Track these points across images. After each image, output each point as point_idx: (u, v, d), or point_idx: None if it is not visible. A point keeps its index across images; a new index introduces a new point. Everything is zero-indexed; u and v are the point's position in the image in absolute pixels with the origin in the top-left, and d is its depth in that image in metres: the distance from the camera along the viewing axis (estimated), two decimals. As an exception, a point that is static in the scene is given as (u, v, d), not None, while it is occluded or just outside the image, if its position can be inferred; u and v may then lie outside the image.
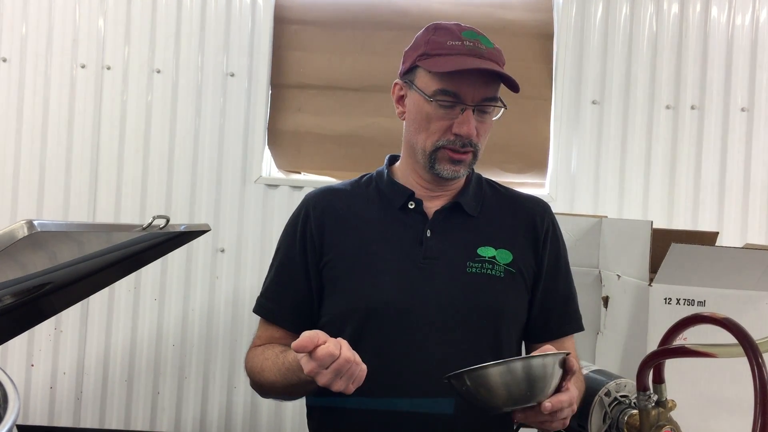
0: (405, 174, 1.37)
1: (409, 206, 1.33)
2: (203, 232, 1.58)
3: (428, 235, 1.30)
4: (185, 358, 2.55)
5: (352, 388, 1.07)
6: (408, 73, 1.32)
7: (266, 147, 2.59)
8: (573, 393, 1.11)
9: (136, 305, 2.55)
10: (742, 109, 2.62)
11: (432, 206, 1.34)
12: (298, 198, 2.53)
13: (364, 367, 1.07)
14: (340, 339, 1.07)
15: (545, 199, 1.45)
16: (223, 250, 2.55)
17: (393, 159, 1.44)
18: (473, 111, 1.25)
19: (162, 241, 1.53)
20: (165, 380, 2.55)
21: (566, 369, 1.08)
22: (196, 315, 2.55)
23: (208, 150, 2.56)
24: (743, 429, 1.50)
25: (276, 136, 2.60)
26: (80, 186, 2.55)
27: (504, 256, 1.31)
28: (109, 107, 2.56)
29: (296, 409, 2.53)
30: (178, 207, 2.55)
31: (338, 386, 1.05)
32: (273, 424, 2.55)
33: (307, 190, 2.53)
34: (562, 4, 2.61)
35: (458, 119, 1.25)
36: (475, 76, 1.23)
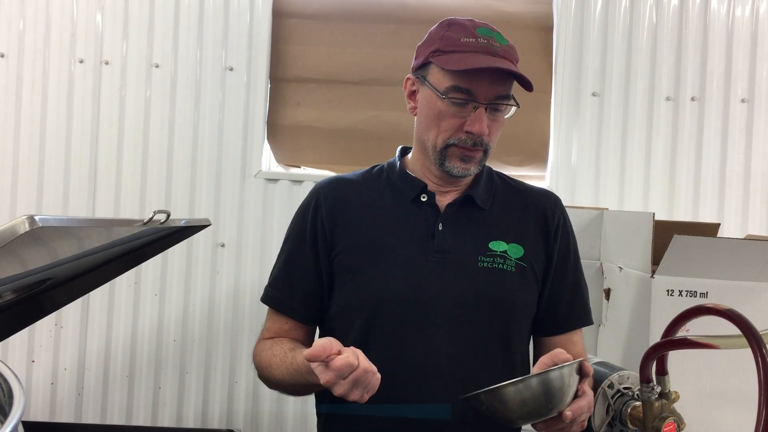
0: (416, 168, 1.36)
1: (422, 199, 1.33)
2: (204, 226, 1.58)
3: (440, 228, 1.30)
4: (186, 353, 2.55)
5: (366, 398, 1.06)
6: (421, 69, 1.30)
7: (266, 141, 2.59)
8: (590, 395, 1.11)
9: (136, 300, 2.54)
10: (743, 101, 2.62)
11: (444, 199, 1.33)
12: (298, 192, 2.54)
13: (378, 375, 1.06)
14: (353, 348, 1.06)
15: (548, 192, 1.45)
16: (223, 245, 2.55)
17: (405, 150, 1.43)
18: (486, 109, 1.24)
19: (162, 236, 1.53)
20: (166, 375, 2.55)
21: (582, 374, 1.08)
22: (196, 310, 2.55)
23: (208, 144, 2.55)
24: (746, 420, 1.50)
25: (275, 131, 2.60)
26: (79, 181, 2.54)
27: (515, 251, 1.30)
28: (107, 102, 2.55)
29: (298, 404, 2.53)
30: (178, 202, 2.54)
31: (354, 396, 1.04)
32: (275, 417, 2.55)
33: (307, 184, 2.53)
34: (561, -4, 2.60)
35: (470, 117, 1.23)
36: (488, 74, 1.22)
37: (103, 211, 2.52)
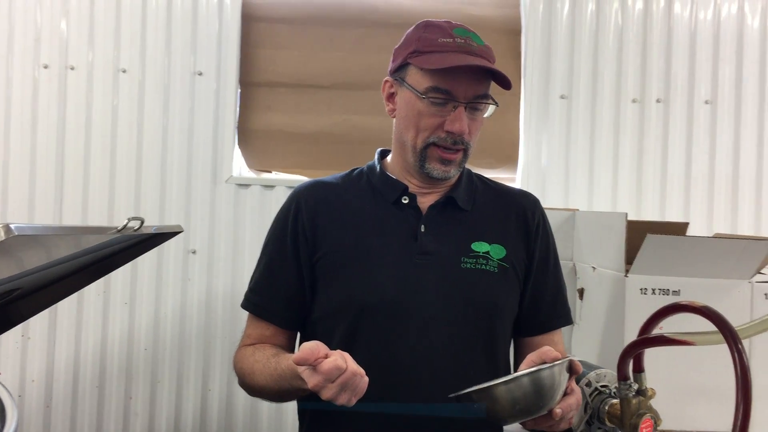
0: (396, 170, 1.36)
1: (403, 201, 1.33)
2: (175, 233, 1.55)
3: (422, 230, 1.30)
4: (158, 361, 2.51)
5: (354, 401, 1.05)
6: (399, 71, 1.31)
7: (236, 146, 2.56)
8: (578, 393, 1.12)
9: (105, 309, 2.50)
10: (706, 102, 2.67)
11: (426, 201, 1.34)
12: (270, 197, 2.52)
13: (366, 378, 1.05)
14: (341, 351, 1.05)
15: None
16: (194, 252, 2.51)
17: (383, 153, 1.43)
18: (465, 108, 1.24)
19: (133, 244, 1.50)
20: (137, 385, 2.51)
21: (572, 372, 1.08)
22: (168, 318, 2.51)
23: (177, 150, 2.52)
24: (721, 415, 1.52)
25: (246, 136, 2.57)
26: (46, 188, 2.48)
27: (497, 251, 1.31)
28: (74, 108, 2.50)
29: (272, 412, 2.51)
30: (148, 208, 2.50)
31: (342, 399, 1.03)
32: (248, 426, 2.53)
33: (279, 189, 2.51)
34: (529, 1, 2.63)
35: (450, 117, 1.24)
36: (467, 73, 1.23)
37: (70, 218, 2.47)
